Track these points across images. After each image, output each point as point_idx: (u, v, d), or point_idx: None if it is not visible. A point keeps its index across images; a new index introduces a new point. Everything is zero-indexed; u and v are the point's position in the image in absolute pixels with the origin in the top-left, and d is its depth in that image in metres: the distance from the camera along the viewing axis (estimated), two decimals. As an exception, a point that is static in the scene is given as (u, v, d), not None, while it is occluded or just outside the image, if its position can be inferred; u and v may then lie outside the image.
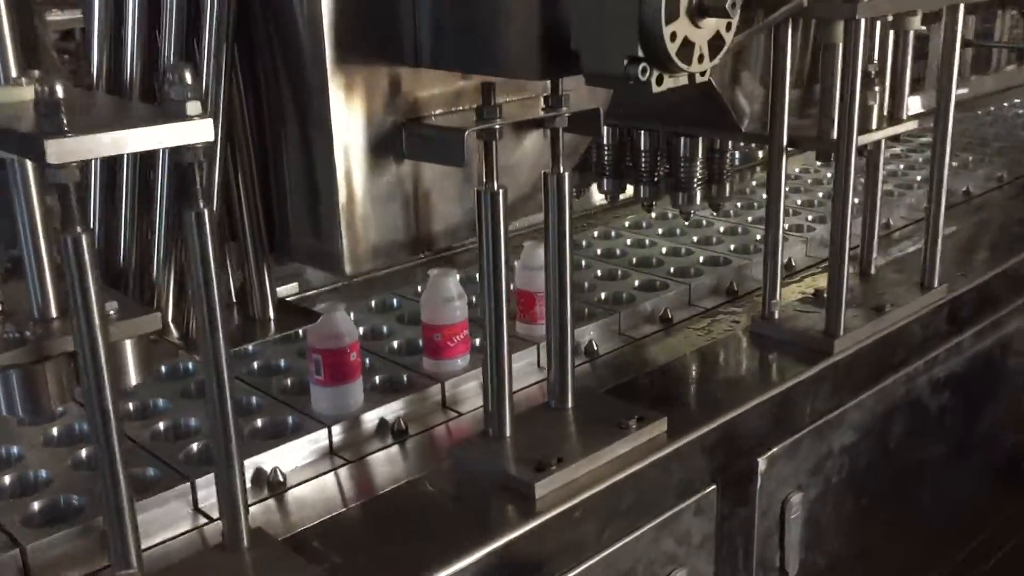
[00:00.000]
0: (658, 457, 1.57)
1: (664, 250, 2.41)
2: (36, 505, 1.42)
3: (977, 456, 2.47)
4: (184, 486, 1.46)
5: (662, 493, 1.60)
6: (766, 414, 1.77)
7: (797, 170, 3.12)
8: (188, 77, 1.10)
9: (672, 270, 2.27)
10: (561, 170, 1.52)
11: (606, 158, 2.22)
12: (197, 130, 1.11)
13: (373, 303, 2.13)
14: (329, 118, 1.36)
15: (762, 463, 1.75)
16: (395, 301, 2.13)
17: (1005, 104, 3.84)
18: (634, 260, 2.35)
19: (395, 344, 1.92)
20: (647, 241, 2.48)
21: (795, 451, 1.83)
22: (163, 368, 1.81)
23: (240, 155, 1.47)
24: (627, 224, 2.61)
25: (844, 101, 1.78)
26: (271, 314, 1.57)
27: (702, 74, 1.28)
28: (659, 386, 1.83)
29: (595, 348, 1.94)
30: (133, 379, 1.36)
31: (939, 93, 2.00)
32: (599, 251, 2.42)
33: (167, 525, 1.42)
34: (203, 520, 1.44)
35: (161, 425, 1.64)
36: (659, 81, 1.23)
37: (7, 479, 1.49)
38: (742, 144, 2.62)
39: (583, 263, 2.34)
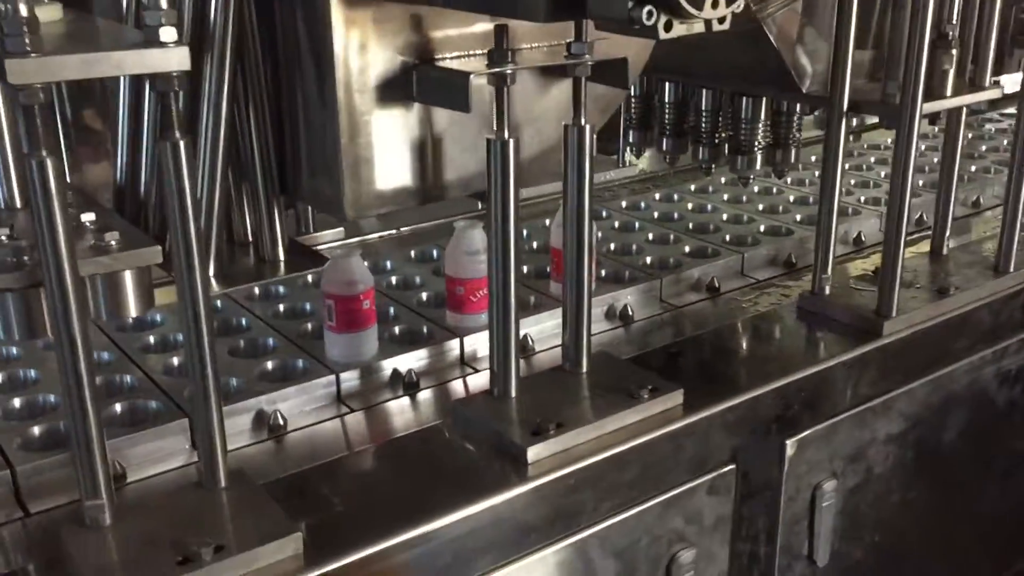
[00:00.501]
0: (669, 430, 1.49)
1: (724, 217, 2.30)
2: (36, 430, 1.44)
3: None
4: (183, 421, 1.45)
5: (672, 468, 1.52)
6: (799, 394, 1.66)
7: (889, 140, 2.94)
8: (163, 1, 1.07)
9: (728, 238, 2.16)
10: (583, 122, 1.44)
11: (667, 117, 2.13)
12: (170, 57, 1.07)
13: (412, 253, 2.09)
14: (332, 54, 1.32)
15: (790, 446, 1.65)
16: (435, 252, 2.09)
17: None
18: (691, 225, 2.25)
19: (424, 296, 1.88)
20: (708, 206, 2.37)
21: (831, 436, 1.72)
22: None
23: (252, 89, 1.44)
24: (693, 188, 2.51)
25: (910, 62, 1.63)
26: (281, 255, 1.55)
27: (720, 21, 1.18)
28: (687, 357, 1.74)
29: (630, 313, 1.86)
30: (133, 310, 1.35)
31: (1026, 61, 1.84)
32: (656, 214, 2.32)
33: (160, 459, 1.42)
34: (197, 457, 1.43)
35: (176, 360, 1.64)
36: (667, 27, 1.14)
37: (17, 402, 1.51)
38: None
39: (636, 225, 2.25)
